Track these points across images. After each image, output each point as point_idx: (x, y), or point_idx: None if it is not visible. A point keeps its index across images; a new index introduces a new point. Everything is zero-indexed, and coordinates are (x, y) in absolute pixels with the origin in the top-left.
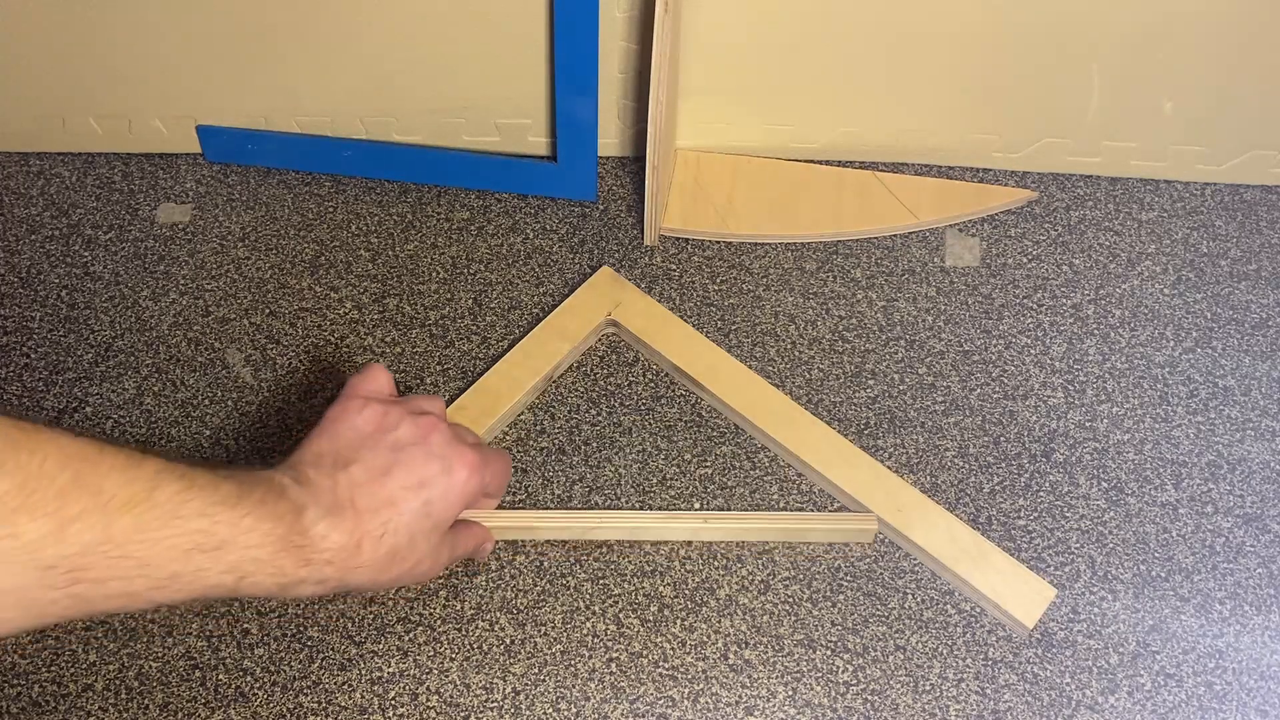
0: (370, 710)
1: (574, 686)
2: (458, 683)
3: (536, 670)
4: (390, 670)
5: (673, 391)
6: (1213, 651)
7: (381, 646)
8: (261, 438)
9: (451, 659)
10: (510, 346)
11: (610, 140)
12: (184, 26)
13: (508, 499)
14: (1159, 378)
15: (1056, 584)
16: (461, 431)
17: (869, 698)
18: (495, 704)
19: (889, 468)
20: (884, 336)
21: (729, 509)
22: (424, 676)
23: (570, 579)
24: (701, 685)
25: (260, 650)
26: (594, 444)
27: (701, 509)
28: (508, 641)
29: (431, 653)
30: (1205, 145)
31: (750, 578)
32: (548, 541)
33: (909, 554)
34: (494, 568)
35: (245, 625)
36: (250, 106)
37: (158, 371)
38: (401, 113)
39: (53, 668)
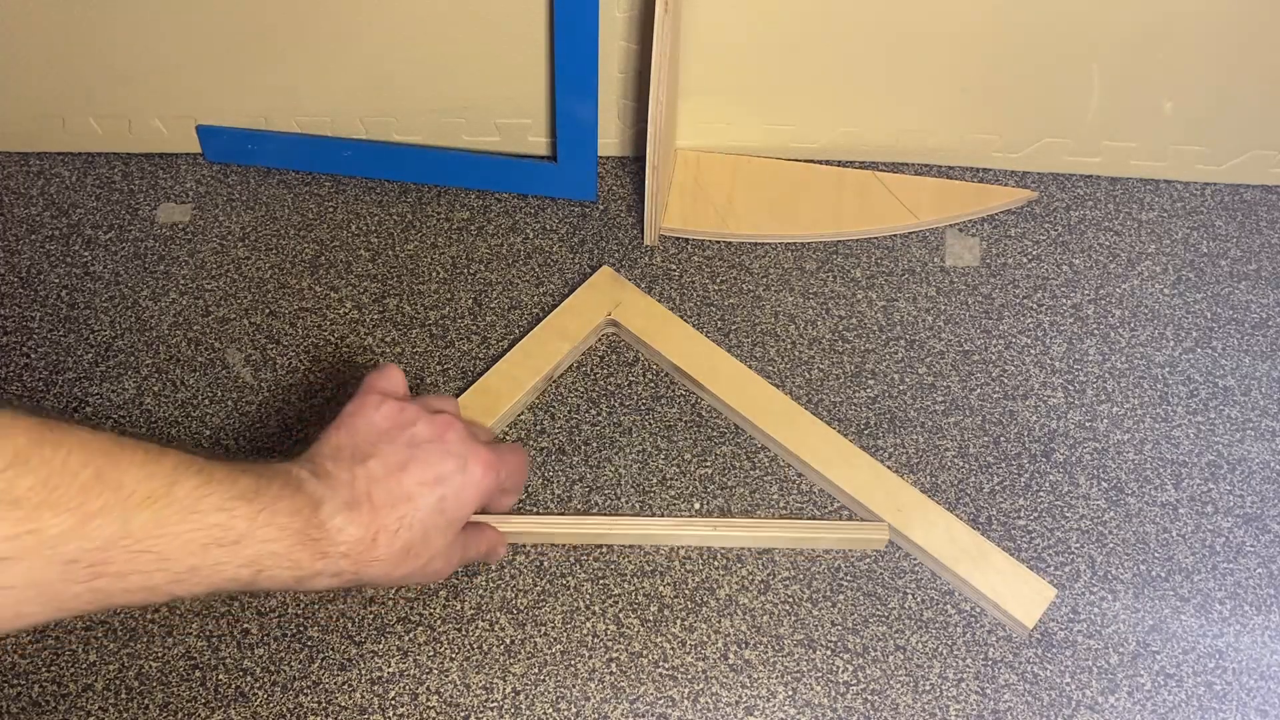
0: (370, 710)
1: (574, 686)
2: (458, 683)
3: (536, 670)
4: (390, 670)
5: (673, 391)
6: (1213, 651)
7: (381, 646)
8: (261, 438)
9: (451, 659)
10: (510, 346)
11: (610, 140)
12: (184, 26)
13: None
14: (1159, 378)
15: (1056, 584)
16: (476, 430)
17: (869, 698)
18: (495, 704)
19: (889, 468)
20: (884, 336)
21: (729, 509)
22: (424, 676)
23: (570, 579)
24: (701, 685)
25: (260, 650)
26: (594, 444)
27: (702, 509)
28: (508, 641)
29: (431, 653)
30: (1205, 145)
31: (750, 578)
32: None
33: (909, 554)
34: (494, 568)
35: (245, 625)
36: (250, 106)
37: (158, 371)
38: (401, 113)
39: (53, 668)
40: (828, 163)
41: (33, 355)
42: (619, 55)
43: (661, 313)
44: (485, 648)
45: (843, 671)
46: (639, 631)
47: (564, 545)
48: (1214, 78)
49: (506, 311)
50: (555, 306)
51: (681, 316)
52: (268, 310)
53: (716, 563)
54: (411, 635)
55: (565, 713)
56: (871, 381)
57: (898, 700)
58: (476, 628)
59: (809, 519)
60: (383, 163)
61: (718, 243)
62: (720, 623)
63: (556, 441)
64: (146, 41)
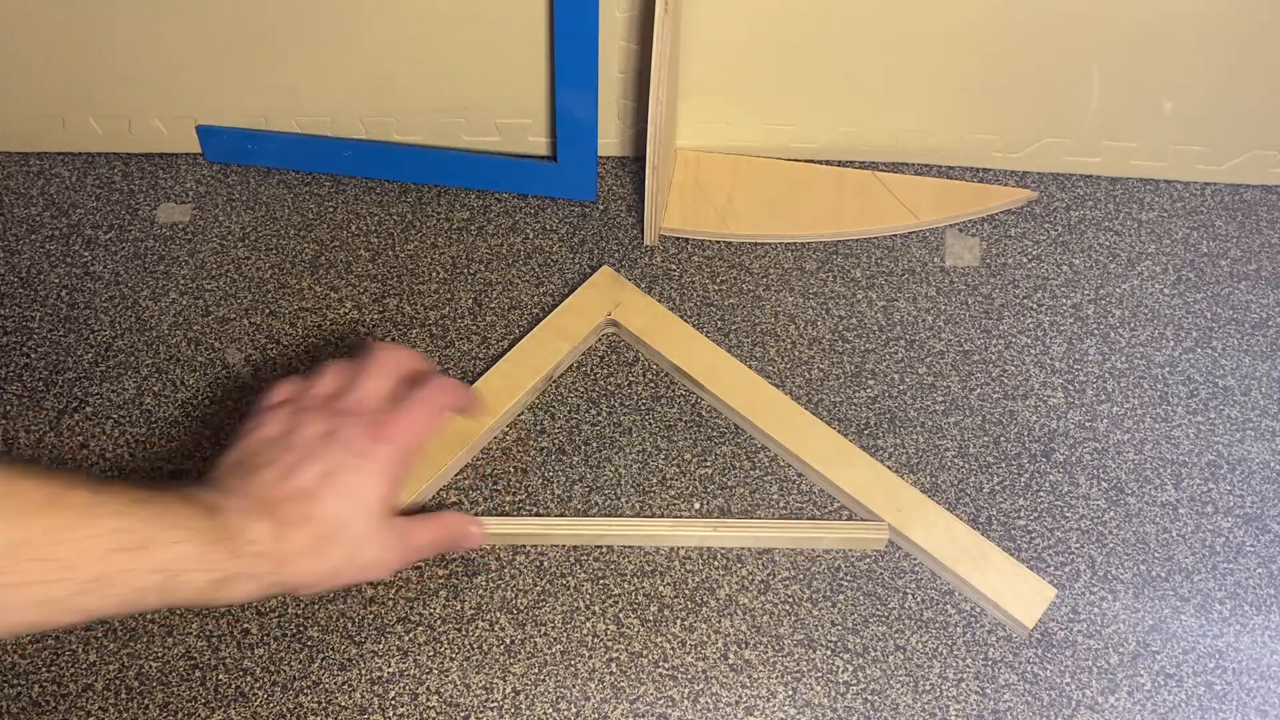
0: (370, 710)
1: (574, 686)
2: (458, 683)
3: (536, 670)
4: (390, 670)
5: (673, 391)
6: (1213, 651)
7: (381, 646)
8: None
9: (451, 659)
10: (510, 346)
11: (610, 140)
12: (184, 26)
13: (510, 501)
14: (1159, 378)
15: (1056, 584)
16: (401, 386)
17: (869, 698)
18: (495, 704)
19: (889, 468)
20: (884, 336)
21: (729, 509)
22: (424, 676)
23: (570, 579)
24: (701, 685)
25: (260, 650)
26: (594, 444)
27: (702, 509)
28: (508, 641)
29: (431, 653)
30: (1205, 145)
31: (750, 578)
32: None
33: (909, 554)
34: (494, 568)
35: (245, 625)
36: (250, 106)
37: (158, 371)
38: (401, 113)
39: (53, 668)
40: (828, 163)
41: (33, 355)
42: (619, 55)
43: (661, 313)
44: (485, 648)
45: (843, 671)
46: (639, 631)
47: (564, 545)
48: (1214, 78)
49: (506, 311)
50: (555, 306)
51: (681, 316)
52: (268, 310)
53: (716, 563)
54: (411, 635)
55: (565, 713)
56: (871, 381)
57: (898, 700)
58: (476, 628)
59: (809, 519)
60: (383, 163)
61: (718, 243)
62: (720, 623)
63: (556, 441)
64: (146, 41)
